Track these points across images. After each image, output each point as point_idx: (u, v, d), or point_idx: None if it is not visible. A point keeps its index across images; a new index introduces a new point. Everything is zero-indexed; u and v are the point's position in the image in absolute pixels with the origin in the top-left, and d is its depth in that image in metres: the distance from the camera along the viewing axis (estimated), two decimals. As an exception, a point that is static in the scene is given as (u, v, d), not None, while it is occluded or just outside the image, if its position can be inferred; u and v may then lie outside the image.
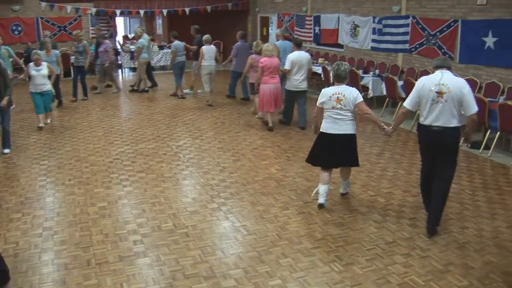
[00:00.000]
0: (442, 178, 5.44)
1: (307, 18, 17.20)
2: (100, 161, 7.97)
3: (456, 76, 5.57)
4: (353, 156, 6.18)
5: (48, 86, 9.78)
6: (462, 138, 5.68)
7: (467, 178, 7.32)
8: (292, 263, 4.80)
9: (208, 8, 20.10)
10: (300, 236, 5.37)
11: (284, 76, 10.32)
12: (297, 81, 9.98)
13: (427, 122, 5.36)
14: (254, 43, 11.35)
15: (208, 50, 12.35)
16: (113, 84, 14.65)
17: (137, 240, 5.24)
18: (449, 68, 5.38)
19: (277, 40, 12.10)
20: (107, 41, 13.99)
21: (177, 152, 8.46)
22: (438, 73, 5.35)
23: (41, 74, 9.57)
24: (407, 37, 12.52)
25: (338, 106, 5.90)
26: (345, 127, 5.98)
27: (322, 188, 6.16)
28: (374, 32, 13.68)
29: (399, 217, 5.90)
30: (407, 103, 5.56)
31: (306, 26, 17.25)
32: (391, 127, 5.99)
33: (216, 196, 6.51)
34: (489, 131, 8.63)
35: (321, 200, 6.15)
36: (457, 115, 5.22)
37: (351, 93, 5.91)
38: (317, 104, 6.10)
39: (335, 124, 5.99)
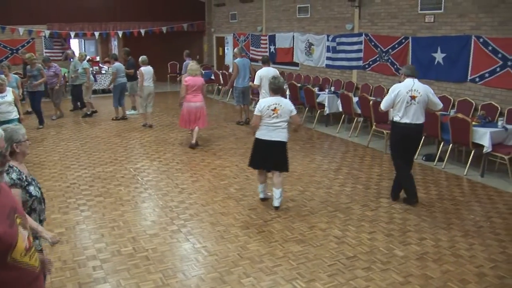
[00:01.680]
0: (409, 164, 6.92)
1: (262, 37, 17.40)
2: (56, 186, 7.78)
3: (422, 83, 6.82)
4: (284, 161, 6.75)
5: (15, 114, 8.87)
6: None
7: (423, 190, 7.48)
8: (254, 282, 4.78)
9: (164, 29, 20.12)
10: (261, 255, 5.37)
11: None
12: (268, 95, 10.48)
13: (403, 120, 6.64)
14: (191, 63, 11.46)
15: (147, 71, 12.15)
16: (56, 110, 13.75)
17: (97, 266, 5.12)
18: (416, 77, 6.72)
19: (235, 58, 12.64)
20: (55, 64, 13.62)
21: (135, 175, 8.36)
22: (410, 80, 6.67)
23: (6, 101, 8.72)
24: (361, 54, 12.83)
25: (274, 115, 6.50)
26: (279, 135, 6.59)
27: (260, 187, 7.05)
28: (328, 50, 13.94)
29: (359, 232, 5.97)
30: (383, 106, 6.88)
31: (262, 45, 17.44)
32: None
33: (176, 218, 6.44)
34: (442, 143, 8.87)
35: (261, 195, 7.06)
36: (424, 114, 6.70)
37: (287, 105, 6.58)
38: (256, 113, 6.63)
39: (269, 131, 6.59)
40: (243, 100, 12.49)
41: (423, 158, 9.14)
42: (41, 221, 3.73)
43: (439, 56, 10.40)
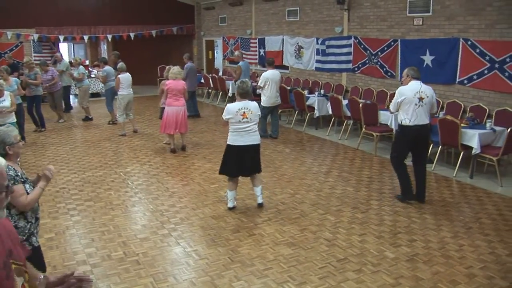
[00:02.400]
0: (423, 164, 7.09)
1: (251, 40, 17.41)
2: (46, 191, 7.64)
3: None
4: (259, 162, 6.88)
5: (13, 117, 8.71)
6: None
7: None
8: (245, 285, 4.78)
9: (153, 32, 20.08)
10: (252, 258, 5.36)
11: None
12: (273, 97, 10.94)
13: (413, 123, 6.74)
14: (167, 68, 11.49)
15: (126, 79, 11.78)
16: (59, 114, 13.72)
17: (87, 271, 5.08)
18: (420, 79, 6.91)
19: (238, 61, 13.29)
20: (51, 68, 13.59)
21: (125, 179, 8.33)
22: (417, 83, 6.80)
23: (4, 106, 8.56)
24: (350, 57, 12.87)
25: (244, 120, 6.51)
26: (252, 138, 6.63)
27: (231, 194, 6.83)
28: (318, 53, 13.97)
29: (349, 234, 5.99)
30: (392, 108, 7.04)
31: (251, 49, 17.45)
32: None
33: (166, 221, 6.42)
34: (431, 145, 8.91)
35: (230, 204, 6.83)
36: (428, 114, 6.92)
37: (255, 109, 6.64)
38: (224, 117, 6.63)
39: (241, 136, 6.58)
40: None
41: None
42: (37, 219, 3.86)
43: (427, 59, 10.46)
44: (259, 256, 5.40)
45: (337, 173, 8.61)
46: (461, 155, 8.35)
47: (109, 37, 19.70)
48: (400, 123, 6.98)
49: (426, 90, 6.79)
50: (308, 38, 14.42)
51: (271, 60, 11.52)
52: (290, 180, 8.16)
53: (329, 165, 9.14)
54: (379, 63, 11.85)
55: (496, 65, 9.02)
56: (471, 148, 8.08)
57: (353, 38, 12.67)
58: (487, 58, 9.17)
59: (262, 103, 10.86)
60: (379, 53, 11.83)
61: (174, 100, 9.82)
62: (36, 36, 18.31)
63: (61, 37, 18.81)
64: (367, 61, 12.29)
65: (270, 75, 10.89)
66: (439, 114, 9.41)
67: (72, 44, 25.13)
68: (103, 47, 22.94)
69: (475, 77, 9.48)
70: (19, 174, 3.66)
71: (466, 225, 6.24)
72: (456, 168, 8.39)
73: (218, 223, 6.36)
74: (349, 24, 12.81)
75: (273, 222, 6.36)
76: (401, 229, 6.12)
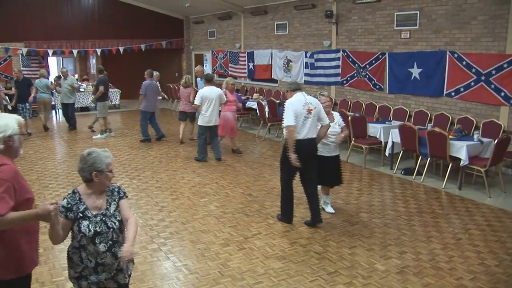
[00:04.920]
0: (313, 182, 6.71)
1: (240, 54, 17.49)
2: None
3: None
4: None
5: None
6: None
7: (403, 204, 7.54)
8: (236, 300, 4.75)
9: (142, 46, 20.10)
10: (242, 272, 5.34)
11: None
12: (208, 116, 10.21)
13: (303, 136, 6.29)
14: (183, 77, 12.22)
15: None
16: None
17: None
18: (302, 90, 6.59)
19: (201, 77, 12.63)
20: None
21: (114, 193, 8.26)
22: (301, 94, 6.44)
23: None
24: (339, 70, 12.96)
25: None
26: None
27: (324, 197, 7.30)
28: (306, 66, 14.06)
29: (339, 247, 5.98)
30: (290, 122, 6.22)
31: (240, 63, 17.52)
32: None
33: (156, 236, 6.38)
34: (420, 157, 8.97)
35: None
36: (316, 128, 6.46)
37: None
38: None
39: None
40: None
41: (402, 172, 9.22)
42: (98, 264, 3.32)
43: (415, 71, 10.56)
44: (250, 270, 5.37)
45: (326, 185, 8.61)
46: (449, 166, 8.40)
47: (98, 51, 19.69)
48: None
49: (313, 101, 6.38)
50: (297, 51, 14.51)
51: (210, 76, 10.72)
52: (279, 193, 8.12)
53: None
54: (367, 76, 11.94)
55: (482, 78, 9.13)
56: (459, 159, 8.14)
57: (341, 52, 12.77)
58: (474, 70, 9.28)
59: (198, 122, 10.44)
60: (367, 66, 11.93)
61: (226, 106, 10.79)
62: (24, 50, 18.26)
63: (50, 51, 18.78)
64: (355, 74, 12.38)
65: (205, 92, 10.18)
66: (427, 126, 9.49)
67: (61, 58, 25.10)
68: (92, 61, 22.92)
69: (462, 89, 9.58)
70: (79, 207, 3.27)
71: (456, 236, 6.27)
72: (445, 179, 8.44)
73: (208, 237, 6.33)
74: (338, 38, 12.93)
75: (263, 236, 6.34)
76: (391, 241, 6.13)
